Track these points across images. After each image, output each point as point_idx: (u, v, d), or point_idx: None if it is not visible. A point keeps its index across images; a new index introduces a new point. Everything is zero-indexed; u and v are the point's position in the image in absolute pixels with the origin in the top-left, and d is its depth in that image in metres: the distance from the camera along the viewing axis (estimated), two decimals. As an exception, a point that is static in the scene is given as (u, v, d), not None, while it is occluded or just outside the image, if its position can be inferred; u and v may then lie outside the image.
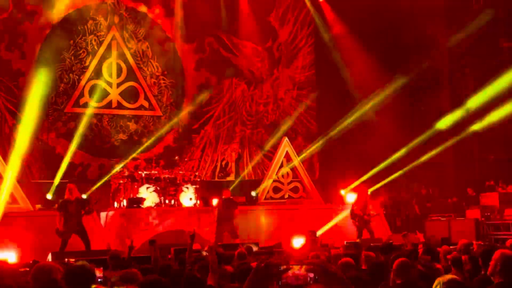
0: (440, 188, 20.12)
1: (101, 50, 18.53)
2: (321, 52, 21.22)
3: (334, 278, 2.74)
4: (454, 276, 5.38)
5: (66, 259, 10.43)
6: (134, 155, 17.58)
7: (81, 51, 18.32)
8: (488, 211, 17.15)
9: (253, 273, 2.89)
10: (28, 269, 7.88)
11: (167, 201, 15.39)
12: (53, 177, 16.69)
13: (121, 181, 15.58)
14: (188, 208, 15.39)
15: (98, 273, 5.94)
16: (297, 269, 2.82)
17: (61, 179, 16.60)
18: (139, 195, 15.13)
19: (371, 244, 11.24)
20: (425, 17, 19.43)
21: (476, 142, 19.61)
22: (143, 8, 19.16)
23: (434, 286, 5.09)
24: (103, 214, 15.13)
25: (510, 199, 17.32)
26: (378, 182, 18.10)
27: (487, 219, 17.04)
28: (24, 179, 16.54)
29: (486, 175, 18.85)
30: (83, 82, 18.26)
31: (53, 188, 16.29)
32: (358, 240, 14.15)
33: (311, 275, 2.82)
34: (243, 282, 5.80)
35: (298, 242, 13.28)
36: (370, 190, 16.49)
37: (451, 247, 9.33)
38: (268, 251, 12.21)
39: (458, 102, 19.61)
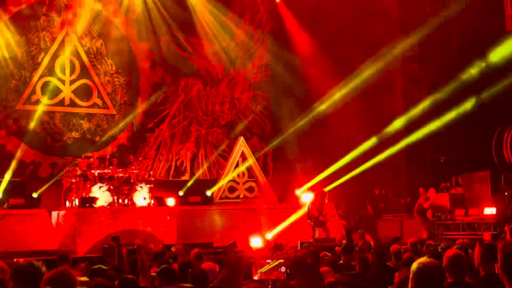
0: (393, 189, 20.37)
1: (54, 46, 18.19)
2: (277, 53, 21.25)
3: (309, 273, 2.65)
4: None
5: (15, 259, 10.22)
6: (87, 153, 17.24)
7: (33, 48, 17.95)
8: (439, 212, 17.44)
9: (225, 267, 2.87)
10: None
11: (120, 201, 15.19)
12: (3, 175, 16.30)
13: (73, 180, 15.31)
14: (142, 208, 15.23)
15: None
16: (272, 264, 2.79)
17: (12, 177, 16.23)
18: (92, 194, 14.89)
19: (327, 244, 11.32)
20: (378, 19, 19.58)
21: (429, 144, 19.90)
22: (97, 5, 18.86)
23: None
24: (54, 214, 14.85)
25: (460, 199, 17.66)
26: (332, 183, 18.17)
27: (438, 219, 17.33)
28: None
29: (438, 176, 19.16)
30: (35, 79, 17.88)
31: (2, 186, 15.91)
32: (312, 240, 14.27)
33: (284, 270, 2.77)
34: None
35: (256, 241, 13.28)
36: (326, 190, 16.50)
37: (402, 246, 9.48)
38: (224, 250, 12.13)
39: (411, 105, 19.88)
